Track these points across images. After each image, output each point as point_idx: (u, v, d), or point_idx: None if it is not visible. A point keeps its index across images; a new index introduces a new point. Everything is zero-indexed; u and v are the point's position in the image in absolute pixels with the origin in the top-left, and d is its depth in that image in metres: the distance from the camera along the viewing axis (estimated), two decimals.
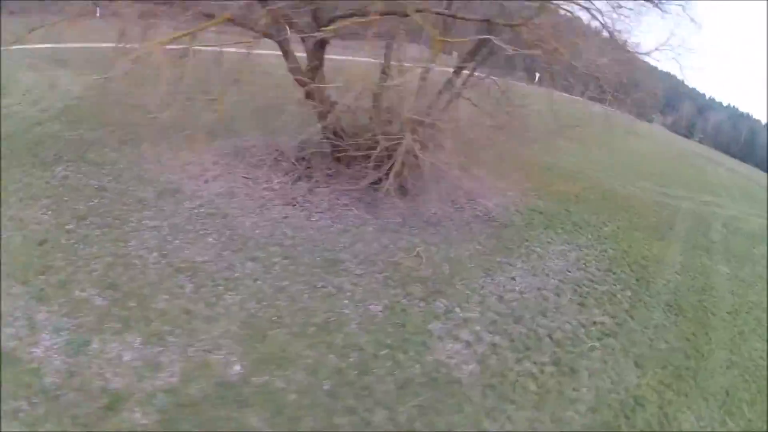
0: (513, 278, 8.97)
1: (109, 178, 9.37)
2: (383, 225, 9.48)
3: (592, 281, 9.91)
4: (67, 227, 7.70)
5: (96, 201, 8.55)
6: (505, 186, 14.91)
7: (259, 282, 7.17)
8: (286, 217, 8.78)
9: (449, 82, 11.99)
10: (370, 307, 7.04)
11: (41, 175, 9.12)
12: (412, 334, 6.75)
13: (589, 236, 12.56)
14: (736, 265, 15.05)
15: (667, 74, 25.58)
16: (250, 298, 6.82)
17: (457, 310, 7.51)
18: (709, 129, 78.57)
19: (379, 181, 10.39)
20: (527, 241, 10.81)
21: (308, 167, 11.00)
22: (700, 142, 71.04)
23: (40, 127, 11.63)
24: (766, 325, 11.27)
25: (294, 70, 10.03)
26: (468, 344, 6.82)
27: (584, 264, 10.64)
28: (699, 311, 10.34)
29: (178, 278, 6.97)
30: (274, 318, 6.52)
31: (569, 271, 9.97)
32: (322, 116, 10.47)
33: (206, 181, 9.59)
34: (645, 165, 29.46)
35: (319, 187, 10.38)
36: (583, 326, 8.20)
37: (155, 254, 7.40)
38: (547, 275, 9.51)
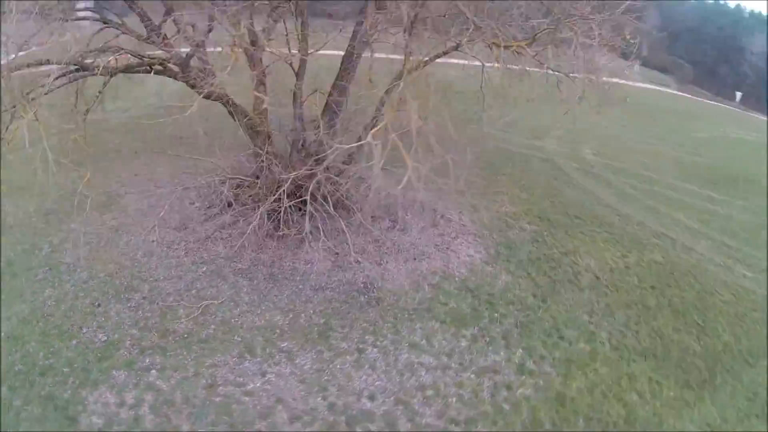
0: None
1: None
2: (217, 268, 9.77)
3: None
4: None
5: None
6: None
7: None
8: (154, 241, 10.38)
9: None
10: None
11: None
12: None
13: (521, 353, 9.00)
14: None
15: None
16: None
17: None
18: None
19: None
20: (370, 335, 8.94)
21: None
22: None
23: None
24: None
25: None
26: None
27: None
28: None
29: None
30: None
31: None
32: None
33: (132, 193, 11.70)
34: None
35: (231, 213, 11.38)
36: None
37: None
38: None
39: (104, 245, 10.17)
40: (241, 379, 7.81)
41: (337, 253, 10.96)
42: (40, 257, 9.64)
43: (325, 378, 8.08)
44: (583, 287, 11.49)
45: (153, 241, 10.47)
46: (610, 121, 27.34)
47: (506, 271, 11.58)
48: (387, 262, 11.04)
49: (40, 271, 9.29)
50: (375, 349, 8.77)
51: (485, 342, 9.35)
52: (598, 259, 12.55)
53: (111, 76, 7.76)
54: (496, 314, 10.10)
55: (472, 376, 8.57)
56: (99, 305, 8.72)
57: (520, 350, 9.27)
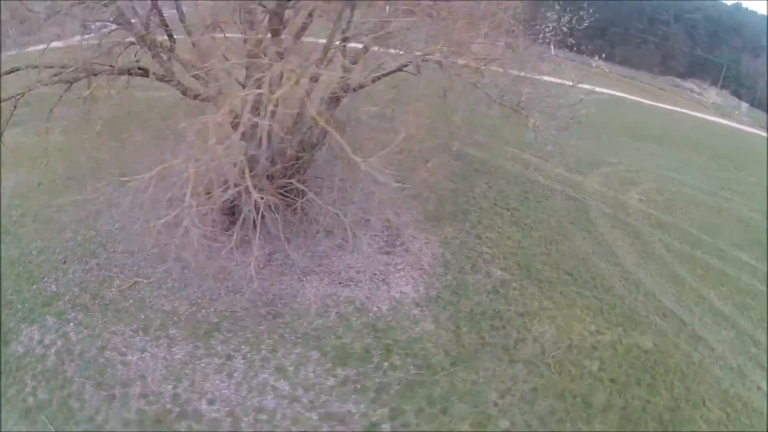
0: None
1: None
2: (166, 252, 11.22)
3: None
4: None
5: None
6: None
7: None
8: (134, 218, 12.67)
9: None
10: None
11: None
12: None
13: None
14: None
15: None
16: None
17: None
18: None
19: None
20: (247, 346, 9.52)
21: None
22: None
23: None
24: None
25: None
26: None
27: None
28: None
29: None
30: None
31: None
32: None
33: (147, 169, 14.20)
34: None
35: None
36: None
37: None
38: None
39: (96, 213, 12.65)
40: (125, 350, 9.34)
41: (270, 261, 11.70)
42: (46, 214, 12.56)
43: (186, 371, 9.11)
44: (517, 360, 10.19)
45: (134, 217, 12.55)
46: (678, 163, 21.94)
47: (434, 319, 10.89)
48: (310, 280, 11.36)
49: (42, 225, 12.15)
50: (243, 361, 9.43)
51: (353, 388, 9.20)
52: (560, 330, 10.87)
53: (70, 84, 9.50)
54: (386, 363, 9.76)
55: (315, 417, 8.66)
56: (65, 262, 11.12)
57: (385, 410, 8.89)
